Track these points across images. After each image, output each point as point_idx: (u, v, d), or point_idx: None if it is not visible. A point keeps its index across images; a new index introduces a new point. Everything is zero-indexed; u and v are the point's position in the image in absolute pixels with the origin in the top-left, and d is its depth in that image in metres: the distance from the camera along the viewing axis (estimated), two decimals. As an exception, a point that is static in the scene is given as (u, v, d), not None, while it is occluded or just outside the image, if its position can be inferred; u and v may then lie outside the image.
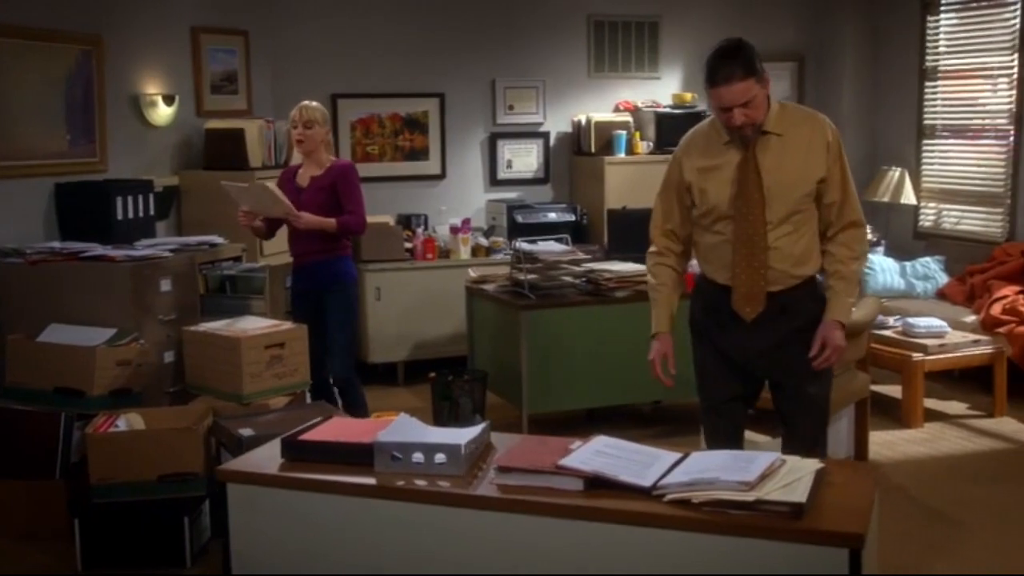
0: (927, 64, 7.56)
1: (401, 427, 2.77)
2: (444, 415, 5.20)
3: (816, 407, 3.31)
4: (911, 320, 5.85)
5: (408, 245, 6.63)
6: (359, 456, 2.66)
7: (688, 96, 7.50)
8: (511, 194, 7.40)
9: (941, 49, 7.49)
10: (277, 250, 5.47)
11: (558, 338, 5.23)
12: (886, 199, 7.41)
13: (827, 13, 7.96)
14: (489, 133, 7.39)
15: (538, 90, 7.44)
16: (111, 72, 5.46)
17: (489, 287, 5.58)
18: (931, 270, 6.98)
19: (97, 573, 3.86)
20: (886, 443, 5.26)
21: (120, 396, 4.32)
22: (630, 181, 7.05)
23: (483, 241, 6.85)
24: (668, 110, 7.35)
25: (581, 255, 5.55)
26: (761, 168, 3.11)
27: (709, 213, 3.20)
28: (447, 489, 2.50)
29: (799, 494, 2.25)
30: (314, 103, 4.83)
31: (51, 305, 4.50)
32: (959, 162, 7.43)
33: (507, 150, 7.44)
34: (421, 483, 2.54)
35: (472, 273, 5.92)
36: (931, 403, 5.84)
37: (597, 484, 2.42)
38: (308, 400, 4.58)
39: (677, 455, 2.56)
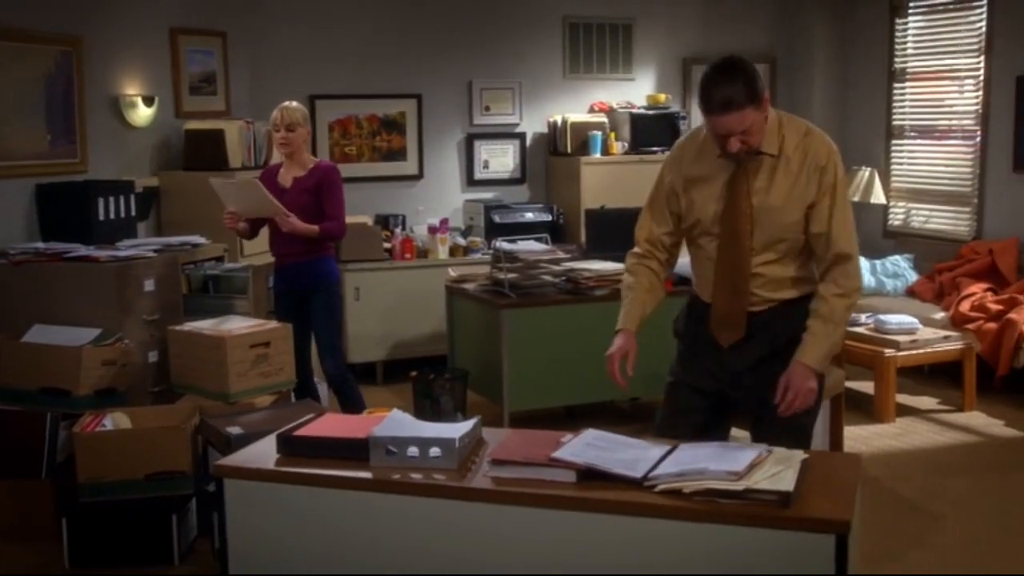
0: (896, 66, 7.69)
1: (395, 422, 2.81)
2: (425, 414, 5.24)
3: (802, 435, 3.02)
4: (882, 317, 5.96)
5: (387, 245, 6.66)
6: (355, 451, 2.69)
7: (662, 97, 7.58)
8: (488, 194, 7.46)
9: (909, 51, 7.62)
10: (258, 250, 5.49)
11: (538, 336, 5.28)
12: (856, 199, 7.51)
13: (798, 16, 8.07)
14: (466, 134, 7.44)
15: (514, 91, 7.50)
16: (91, 73, 5.47)
17: (470, 286, 5.62)
18: (901, 268, 7.10)
19: (85, 572, 3.87)
20: (859, 437, 5.37)
21: (105, 396, 4.32)
22: (606, 181, 7.13)
23: (461, 241, 6.90)
24: (642, 111, 7.43)
25: (561, 254, 5.59)
26: (751, 189, 2.92)
27: (695, 226, 3.04)
28: (442, 482, 2.55)
29: (786, 483, 2.32)
30: (294, 104, 4.85)
31: (35, 305, 4.51)
32: (927, 162, 7.57)
33: (484, 150, 7.49)
34: (416, 476, 2.58)
35: (452, 273, 5.96)
36: (903, 398, 5.96)
37: (589, 476, 2.46)
38: (292, 399, 4.61)
39: (666, 447, 2.61)
